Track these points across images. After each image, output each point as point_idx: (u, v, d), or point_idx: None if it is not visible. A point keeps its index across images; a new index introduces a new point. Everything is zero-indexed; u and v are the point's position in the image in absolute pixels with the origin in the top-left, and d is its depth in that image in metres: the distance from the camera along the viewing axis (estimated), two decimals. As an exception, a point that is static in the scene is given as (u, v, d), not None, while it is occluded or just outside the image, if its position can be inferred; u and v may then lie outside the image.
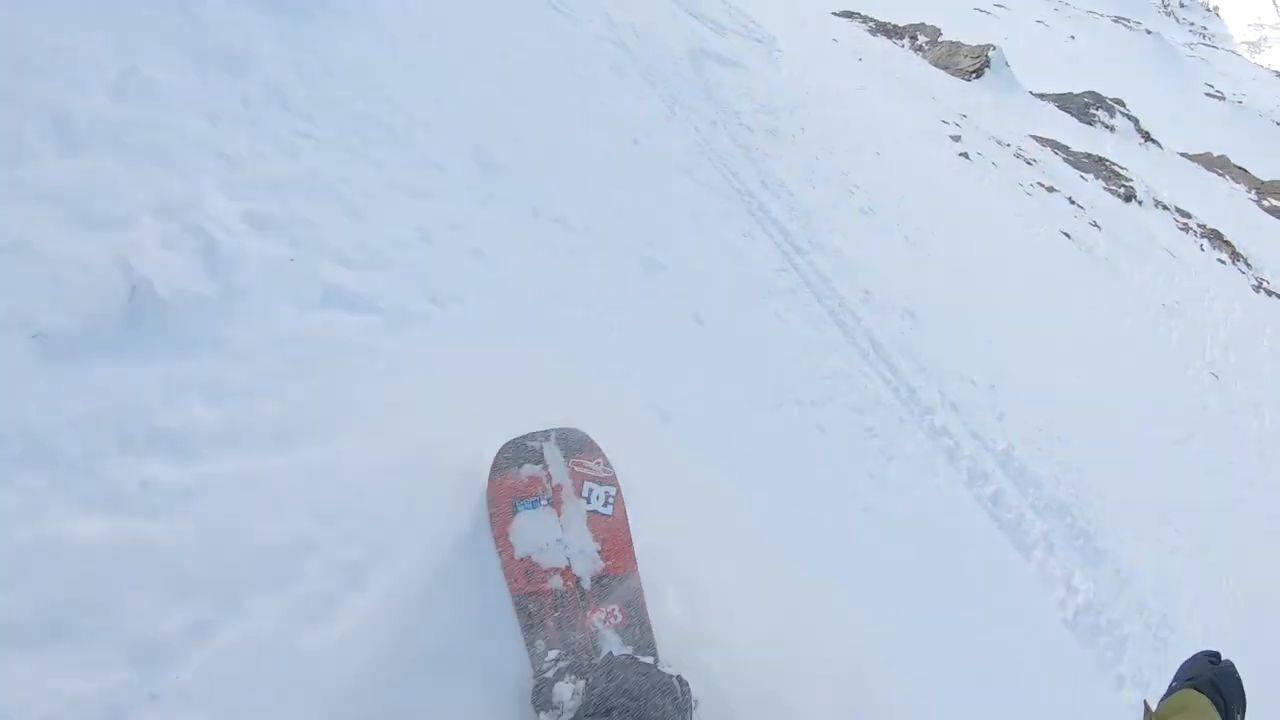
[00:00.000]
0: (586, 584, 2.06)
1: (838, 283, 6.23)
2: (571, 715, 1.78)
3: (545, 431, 2.21)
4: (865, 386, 5.12)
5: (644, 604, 2.10)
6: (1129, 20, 76.09)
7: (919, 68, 24.22)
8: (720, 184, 6.50)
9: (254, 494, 1.90)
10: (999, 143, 20.83)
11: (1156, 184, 25.15)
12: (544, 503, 2.12)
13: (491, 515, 2.08)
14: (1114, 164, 24.33)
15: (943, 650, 3.39)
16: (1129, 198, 22.77)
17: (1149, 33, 71.85)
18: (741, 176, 6.87)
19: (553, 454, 2.18)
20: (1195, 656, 1.73)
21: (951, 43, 27.05)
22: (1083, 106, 28.24)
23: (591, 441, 2.24)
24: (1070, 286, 14.27)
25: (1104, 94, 29.99)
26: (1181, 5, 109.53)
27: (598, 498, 2.15)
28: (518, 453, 2.15)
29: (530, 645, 1.95)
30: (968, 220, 13.45)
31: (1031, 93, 27.62)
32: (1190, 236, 23.26)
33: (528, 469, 2.13)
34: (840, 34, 23.34)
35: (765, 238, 6.07)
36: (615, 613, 2.03)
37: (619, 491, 2.19)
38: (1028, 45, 49.43)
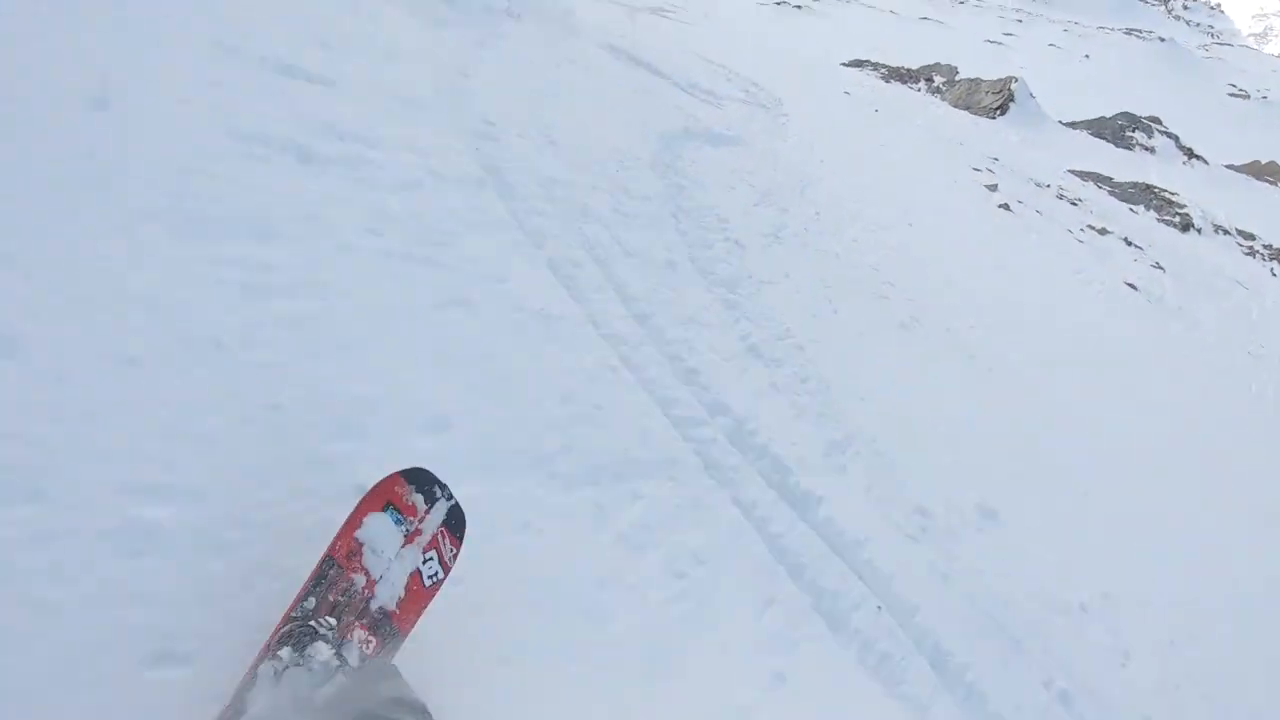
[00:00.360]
0: (373, 605, 2.04)
1: (874, 543, 3.69)
2: (314, 680, 1.69)
3: (450, 492, 2.26)
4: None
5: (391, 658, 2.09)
6: (1140, 31, 72.85)
7: (940, 111, 21.79)
8: (652, 446, 3.45)
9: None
10: (1037, 184, 18.23)
11: (1210, 205, 22.21)
12: (404, 528, 2.17)
13: (368, 493, 2.14)
14: (1162, 190, 21.52)
15: None
16: (1186, 227, 19.92)
17: (1162, 40, 68.49)
18: (705, 373, 4.16)
19: (440, 510, 2.24)
20: None
21: (970, 80, 24.59)
22: (1117, 130, 25.46)
23: (465, 532, 2.26)
24: (1149, 355, 11.60)
25: (1137, 113, 27.17)
26: (1185, 7, 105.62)
27: (430, 570, 2.17)
28: (422, 482, 2.22)
29: (306, 592, 1.92)
30: (1023, 294, 10.91)
31: (1061, 122, 24.96)
32: (1258, 261, 20.26)
33: (416, 498, 2.20)
34: (852, 86, 21.08)
35: (740, 530, 3.34)
36: (371, 643, 2.01)
37: (444, 582, 2.19)
38: (1044, 72, 46.65)
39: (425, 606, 2.17)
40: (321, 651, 1.79)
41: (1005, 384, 7.09)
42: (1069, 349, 9.35)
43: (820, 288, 6.38)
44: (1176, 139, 26.33)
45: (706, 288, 4.98)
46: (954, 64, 26.68)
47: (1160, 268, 16.40)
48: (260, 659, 1.78)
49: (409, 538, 2.18)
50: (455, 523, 2.26)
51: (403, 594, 2.11)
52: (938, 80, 25.00)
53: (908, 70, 25.81)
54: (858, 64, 25.90)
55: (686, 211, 5.83)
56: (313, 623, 1.86)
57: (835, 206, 9.93)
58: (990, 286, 10.26)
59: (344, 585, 2.00)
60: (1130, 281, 14.46)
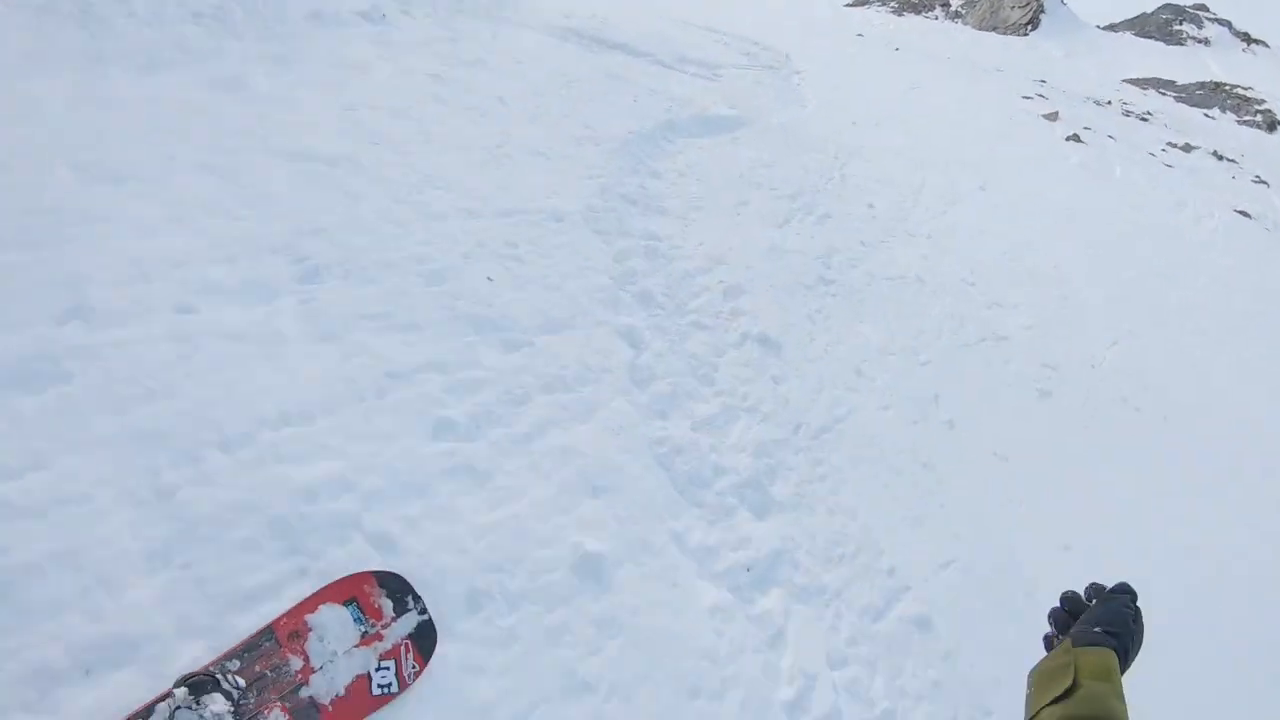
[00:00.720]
0: (303, 693, 1.78)
1: None
2: None
3: (425, 606, 1.98)
4: None
5: None
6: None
7: (965, 38, 18.48)
8: None
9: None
10: (1097, 103, 14.98)
11: (1289, 93, 18.59)
12: (362, 629, 1.88)
13: (331, 584, 1.89)
14: (1233, 86, 17.96)
15: None
16: (1272, 125, 16.44)
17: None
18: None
19: (408, 621, 1.94)
20: (1114, 597, 1.03)
21: (991, -3, 21.08)
22: (1163, 25, 21.70)
23: (432, 652, 1.95)
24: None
25: (1179, 2, 23.28)
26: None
27: (384, 679, 1.88)
28: (394, 588, 1.95)
29: (233, 654, 1.75)
30: (1141, 257, 7.99)
31: (1099, 26, 21.32)
32: (1360, 147, 16.70)
33: (385, 602, 1.94)
34: (864, 26, 17.92)
35: None
36: None
37: (393, 698, 1.88)
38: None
39: (366, 715, 1.84)
40: (217, 703, 1.59)
41: (1190, 446, 4.33)
42: (1227, 337, 6.46)
43: (912, 367, 3.68)
44: (1229, 25, 22.44)
45: (699, 562, 2.16)
46: (968, -17, 23.07)
47: (1263, 181, 13.14)
48: (160, 697, 1.61)
49: (366, 639, 1.88)
50: (424, 639, 1.94)
51: (341, 693, 1.82)
52: (955, 3, 21.53)
53: (919, -1, 22.33)
54: (864, 2, 22.53)
55: (658, 300, 3.06)
56: (219, 675, 1.65)
57: (890, 187, 7.13)
58: (1103, 262, 7.38)
59: (276, 662, 1.77)
60: (1241, 209, 11.29)
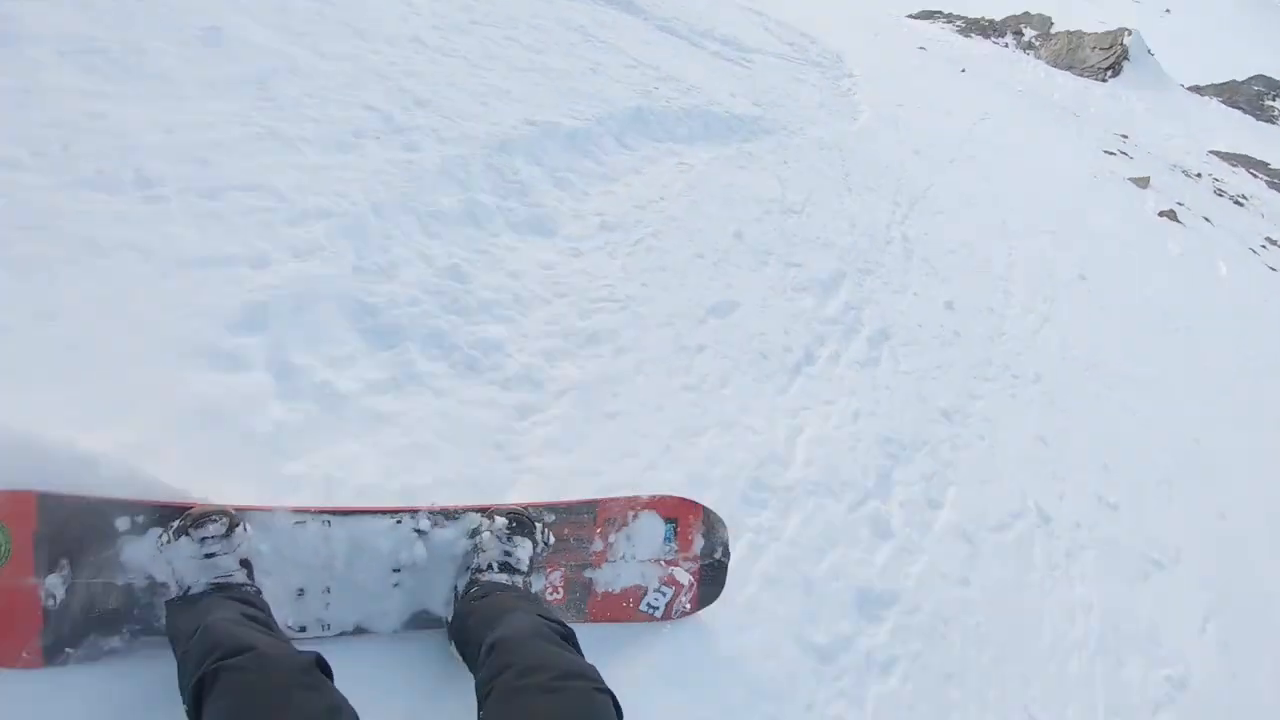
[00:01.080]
0: (586, 573, 1.78)
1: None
2: (495, 558, 1.52)
3: (728, 558, 1.88)
4: None
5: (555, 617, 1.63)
6: (1216, -15, 63.43)
7: (1039, 72, 15.90)
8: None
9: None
10: (1185, 174, 12.45)
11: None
12: (668, 549, 1.83)
13: (667, 497, 1.86)
14: (1330, 178, 15.47)
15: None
16: (1374, 230, 13.96)
17: (1245, -11, 59.27)
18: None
19: (707, 566, 1.86)
20: None
21: (1071, 33, 18.46)
22: (1254, 98, 19.11)
23: (710, 603, 1.87)
24: None
25: (1271, 75, 20.67)
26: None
27: (654, 600, 1.82)
28: (714, 528, 1.89)
29: (552, 507, 1.74)
30: (1270, 402, 5.61)
31: (1184, 86, 18.73)
32: None
33: (700, 540, 1.88)
34: (926, 40, 15.30)
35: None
36: (559, 594, 1.74)
37: (650, 620, 1.82)
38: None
39: (620, 621, 1.81)
40: (523, 548, 1.55)
41: None
42: None
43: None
44: (1323, 108, 19.87)
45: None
46: (1045, 14, 20.42)
47: (1376, 301, 10.73)
48: (480, 507, 1.62)
49: (664, 560, 1.84)
50: (709, 587, 1.88)
51: (615, 591, 1.80)
52: (1029, 34, 18.92)
53: (989, 21, 19.65)
54: (928, 15, 19.85)
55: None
56: (540, 525, 1.63)
57: (970, 261, 4.68)
58: (1240, 424, 5.02)
59: (583, 535, 1.77)
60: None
